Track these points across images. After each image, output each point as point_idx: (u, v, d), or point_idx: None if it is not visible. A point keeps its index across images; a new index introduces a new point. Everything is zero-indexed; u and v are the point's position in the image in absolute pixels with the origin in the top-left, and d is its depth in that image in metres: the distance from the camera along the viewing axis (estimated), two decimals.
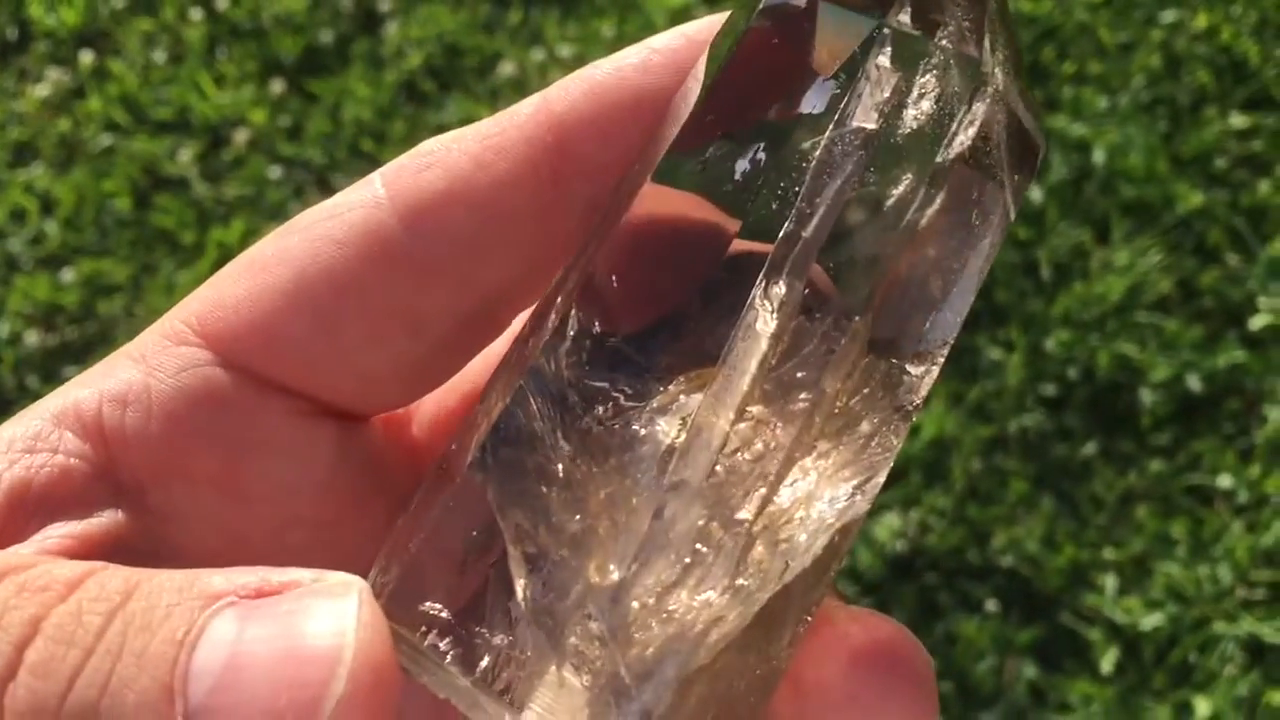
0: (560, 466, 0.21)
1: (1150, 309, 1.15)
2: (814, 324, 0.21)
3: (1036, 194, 1.21)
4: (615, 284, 0.21)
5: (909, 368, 0.22)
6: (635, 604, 0.20)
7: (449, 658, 0.20)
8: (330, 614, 0.19)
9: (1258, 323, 1.13)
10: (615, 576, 0.20)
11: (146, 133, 1.39)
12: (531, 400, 0.21)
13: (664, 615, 0.20)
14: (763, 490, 0.20)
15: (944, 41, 0.22)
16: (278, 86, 1.39)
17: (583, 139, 0.24)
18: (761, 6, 0.22)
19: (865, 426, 0.21)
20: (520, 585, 0.20)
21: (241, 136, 1.36)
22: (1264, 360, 1.11)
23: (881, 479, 0.22)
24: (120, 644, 0.18)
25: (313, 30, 1.41)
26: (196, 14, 1.44)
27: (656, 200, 0.22)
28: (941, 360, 0.23)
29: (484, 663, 0.20)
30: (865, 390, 0.21)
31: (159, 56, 1.43)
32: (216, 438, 0.24)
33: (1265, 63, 1.28)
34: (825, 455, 0.21)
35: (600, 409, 0.21)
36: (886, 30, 0.21)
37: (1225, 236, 1.18)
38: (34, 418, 0.23)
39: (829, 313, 0.21)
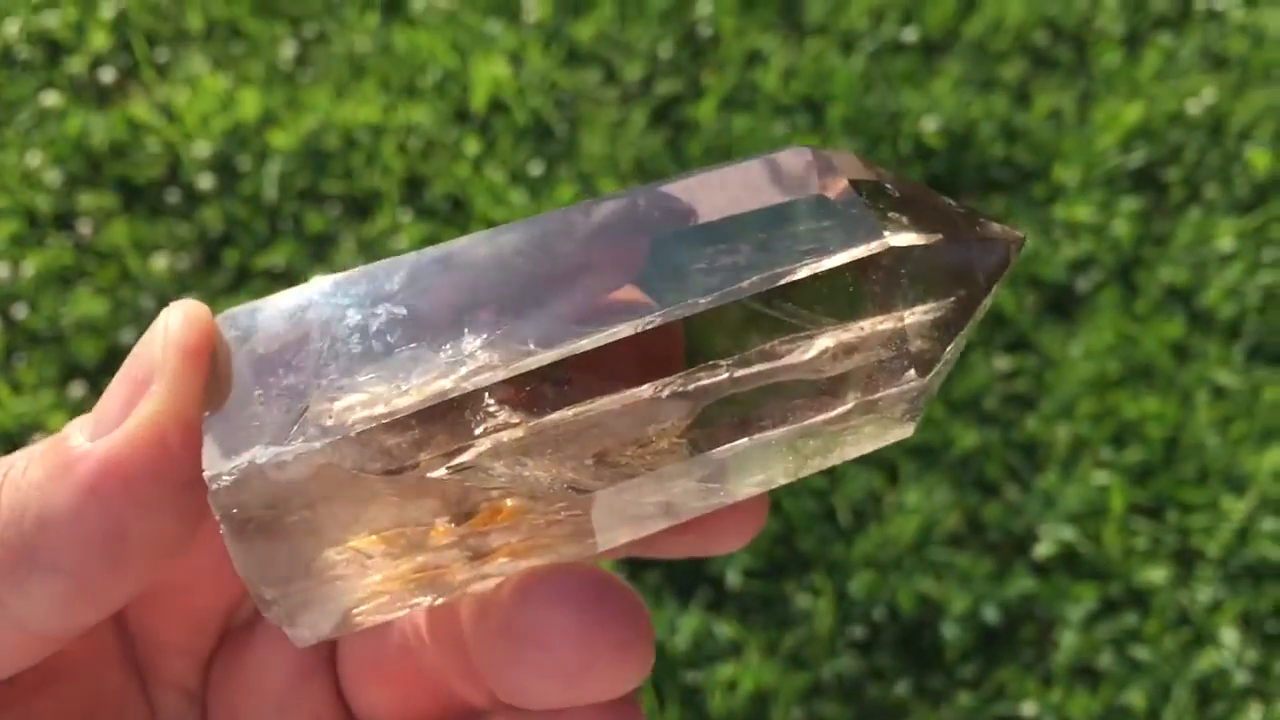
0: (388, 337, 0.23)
1: (943, 545, 1.21)
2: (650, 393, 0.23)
3: None
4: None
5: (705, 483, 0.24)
6: (363, 410, 0.22)
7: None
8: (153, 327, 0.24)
9: (1041, 551, 1.20)
10: (376, 387, 0.22)
11: None
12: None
13: (372, 429, 0.22)
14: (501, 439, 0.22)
15: (903, 273, 0.24)
16: (78, 389, 1.39)
17: None
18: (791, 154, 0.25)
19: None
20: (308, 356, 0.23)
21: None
22: (1051, 587, 1.17)
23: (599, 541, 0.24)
24: (22, 465, 0.24)
25: (114, 332, 1.42)
26: None
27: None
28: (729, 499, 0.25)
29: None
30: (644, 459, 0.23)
31: None
32: None
33: (1019, 311, 1.40)
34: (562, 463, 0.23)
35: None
36: (885, 236, 0.23)
37: (1002, 471, 1.26)
38: None
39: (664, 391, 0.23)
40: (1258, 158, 1.58)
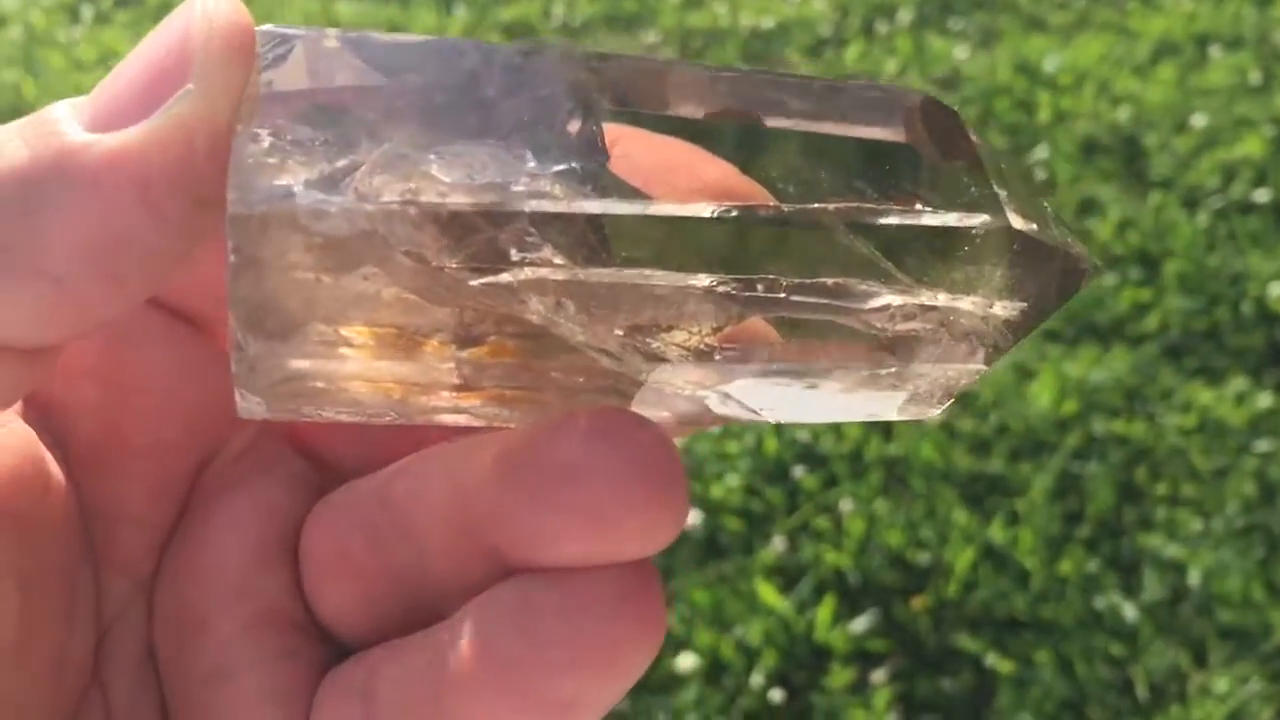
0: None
1: None
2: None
3: (1130, 611, 1.22)
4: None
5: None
6: (424, 187, 0.20)
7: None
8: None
9: None
10: (440, 174, 0.20)
11: None
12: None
13: (428, 211, 0.19)
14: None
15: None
16: None
17: None
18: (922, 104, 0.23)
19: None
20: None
21: None
22: None
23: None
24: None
25: None
26: None
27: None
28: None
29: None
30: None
31: None
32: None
33: None
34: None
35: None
36: (1008, 217, 0.22)
37: None
38: None
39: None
40: None
